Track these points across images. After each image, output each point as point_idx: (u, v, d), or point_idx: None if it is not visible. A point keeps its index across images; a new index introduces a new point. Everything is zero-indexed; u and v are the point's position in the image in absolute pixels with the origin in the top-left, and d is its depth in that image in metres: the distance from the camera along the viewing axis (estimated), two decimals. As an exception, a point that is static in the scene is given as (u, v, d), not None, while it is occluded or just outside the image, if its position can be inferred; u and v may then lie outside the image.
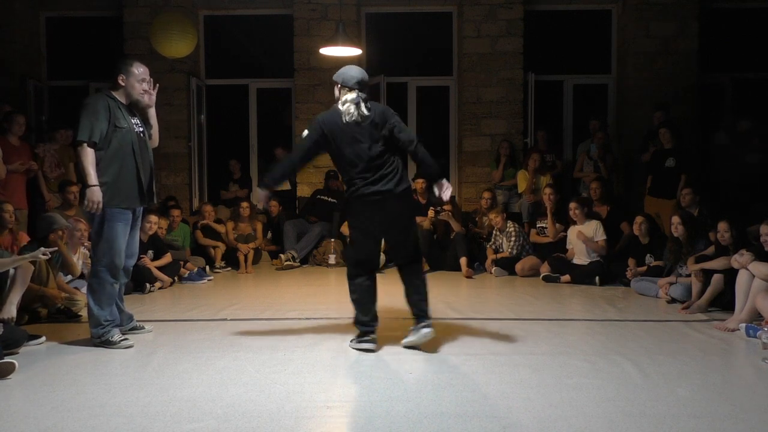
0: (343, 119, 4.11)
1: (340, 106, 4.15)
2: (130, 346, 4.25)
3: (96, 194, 4.13)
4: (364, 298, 4.23)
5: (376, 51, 9.48)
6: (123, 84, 4.34)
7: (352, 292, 4.26)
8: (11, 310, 4.40)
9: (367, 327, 4.23)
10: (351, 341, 4.27)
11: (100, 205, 4.16)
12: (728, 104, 9.25)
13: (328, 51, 7.97)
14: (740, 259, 4.79)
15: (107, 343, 4.24)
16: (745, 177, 7.76)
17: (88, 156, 4.14)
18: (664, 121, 7.84)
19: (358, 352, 4.15)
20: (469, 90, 9.12)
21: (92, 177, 4.13)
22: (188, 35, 7.40)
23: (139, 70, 4.37)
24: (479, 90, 9.09)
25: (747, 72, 9.22)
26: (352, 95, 4.15)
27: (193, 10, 9.24)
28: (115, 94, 4.34)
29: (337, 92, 4.23)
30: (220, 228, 8.00)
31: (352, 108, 4.11)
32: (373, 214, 4.16)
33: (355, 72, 4.21)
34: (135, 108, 4.46)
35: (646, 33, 8.87)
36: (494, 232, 7.72)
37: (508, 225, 7.57)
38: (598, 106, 9.41)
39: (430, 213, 7.83)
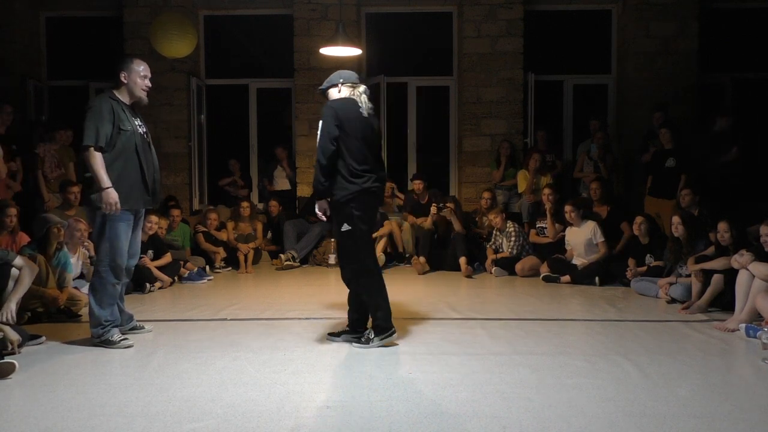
0: (363, 112, 4.21)
1: (355, 98, 4.25)
2: (130, 346, 4.25)
3: (112, 196, 4.14)
4: (382, 294, 4.25)
5: (376, 51, 9.48)
6: (125, 81, 4.33)
7: (370, 292, 4.24)
8: (11, 308, 4.36)
9: (389, 322, 4.25)
10: (371, 340, 4.23)
11: (118, 206, 4.16)
12: (728, 104, 9.25)
13: (328, 51, 7.96)
14: (740, 259, 4.79)
15: (107, 343, 4.25)
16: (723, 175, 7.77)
17: (97, 159, 4.14)
18: (665, 121, 7.85)
19: (357, 351, 4.15)
20: (469, 90, 9.12)
21: (105, 180, 4.14)
22: (188, 35, 7.40)
23: (140, 67, 4.38)
24: (479, 90, 9.09)
25: (747, 72, 9.22)
26: (363, 86, 4.32)
27: (193, 10, 9.24)
28: (117, 94, 4.33)
29: (338, 92, 4.29)
30: (222, 235, 7.99)
31: (366, 99, 4.27)
32: (375, 209, 4.33)
33: (350, 72, 4.38)
34: (137, 109, 4.46)
35: (646, 33, 8.87)
36: (494, 232, 7.72)
37: (507, 225, 7.57)
38: (598, 106, 9.41)
39: (433, 209, 7.83)
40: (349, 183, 4.11)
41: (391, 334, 4.25)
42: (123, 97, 4.35)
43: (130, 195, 4.27)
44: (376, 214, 4.45)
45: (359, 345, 4.24)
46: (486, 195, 8.15)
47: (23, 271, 4.40)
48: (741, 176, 7.66)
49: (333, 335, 4.42)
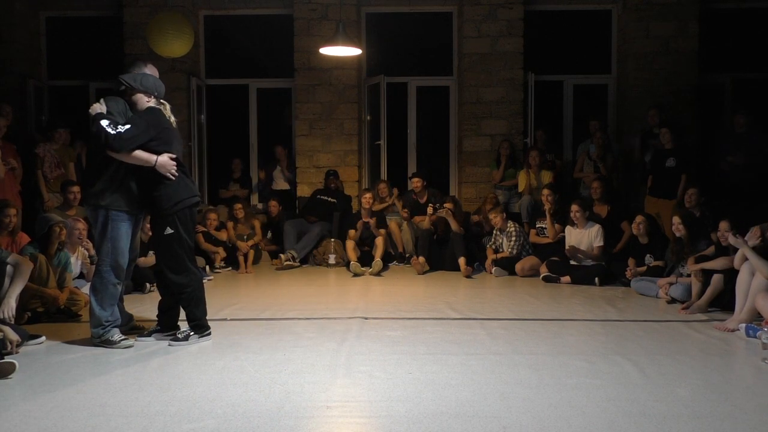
0: (173, 124, 4.36)
1: (165, 111, 4.32)
2: (130, 346, 4.26)
3: (166, 162, 4.17)
4: (201, 294, 4.44)
5: (376, 51, 9.48)
6: None
7: (190, 291, 4.37)
8: (11, 305, 4.35)
9: (204, 321, 4.45)
10: (190, 337, 4.36)
11: (174, 166, 4.19)
12: (728, 104, 9.25)
13: (328, 51, 7.97)
14: (736, 240, 4.80)
15: (107, 343, 4.25)
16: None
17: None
18: (662, 120, 7.84)
19: (358, 351, 4.15)
20: (469, 90, 9.11)
21: (147, 158, 4.14)
22: (184, 35, 7.36)
23: (152, 71, 4.41)
24: (479, 90, 9.08)
25: (747, 72, 9.22)
26: (168, 105, 4.39)
27: (193, 10, 9.24)
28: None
29: (147, 99, 4.28)
30: (221, 235, 7.97)
31: (173, 118, 4.38)
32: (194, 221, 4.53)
33: (162, 85, 4.39)
34: None
35: (646, 33, 8.86)
36: (494, 232, 7.71)
37: (508, 225, 7.57)
38: (598, 106, 9.41)
39: (429, 210, 7.83)
40: (180, 193, 4.23)
41: (209, 334, 4.45)
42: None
43: (132, 198, 4.28)
44: (195, 226, 4.62)
45: (177, 343, 4.32)
46: (490, 196, 8.18)
47: (18, 268, 4.40)
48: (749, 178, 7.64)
49: (143, 335, 4.48)
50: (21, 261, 4.48)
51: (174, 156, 4.24)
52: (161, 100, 4.35)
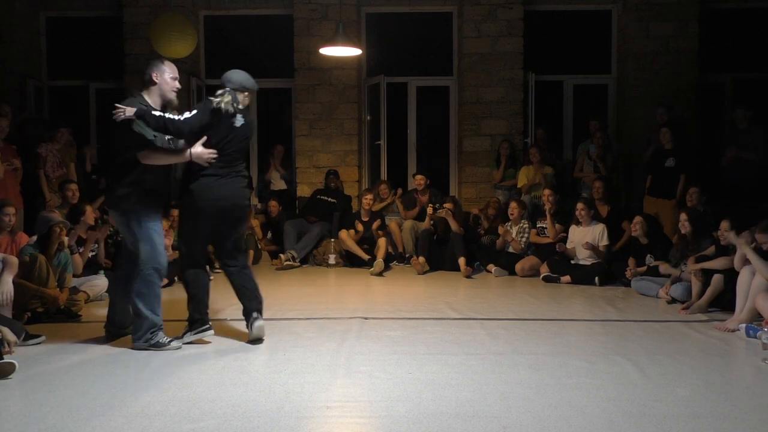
0: (237, 120, 4.32)
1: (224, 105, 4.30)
2: (178, 348, 4.21)
3: (201, 153, 4.14)
4: (202, 291, 4.38)
5: (376, 51, 9.48)
6: (157, 81, 4.29)
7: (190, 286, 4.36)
8: (9, 288, 4.32)
9: (197, 317, 4.36)
10: (185, 335, 4.32)
11: (210, 152, 4.16)
12: (728, 104, 9.25)
13: (328, 51, 7.98)
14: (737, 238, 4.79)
15: (157, 346, 4.18)
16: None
17: (159, 150, 4.21)
18: (667, 120, 7.84)
19: (358, 351, 4.15)
20: (469, 90, 9.12)
21: (181, 154, 4.16)
22: (187, 36, 7.39)
23: (170, 68, 4.37)
24: (479, 90, 9.09)
25: (747, 72, 9.22)
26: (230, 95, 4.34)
27: (193, 10, 9.24)
28: (147, 98, 4.27)
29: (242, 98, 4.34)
30: None
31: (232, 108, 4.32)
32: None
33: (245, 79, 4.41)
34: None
35: (646, 33, 8.87)
36: (506, 225, 7.69)
37: (522, 222, 7.60)
38: (598, 106, 9.41)
39: (429, 210, 7.83)
40: (213, 185, 4.22)
41: (204, 330, 4.33)
42: (153, 99, 4.28)
43: (158, 198, 4.28)
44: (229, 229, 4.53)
45: (179, 340, 4.28)
46: (493, 201, 8.19)
47: (6, 262, 4.41)
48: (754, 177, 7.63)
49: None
50: (6, 256, 4.51)
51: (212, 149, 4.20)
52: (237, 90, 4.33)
